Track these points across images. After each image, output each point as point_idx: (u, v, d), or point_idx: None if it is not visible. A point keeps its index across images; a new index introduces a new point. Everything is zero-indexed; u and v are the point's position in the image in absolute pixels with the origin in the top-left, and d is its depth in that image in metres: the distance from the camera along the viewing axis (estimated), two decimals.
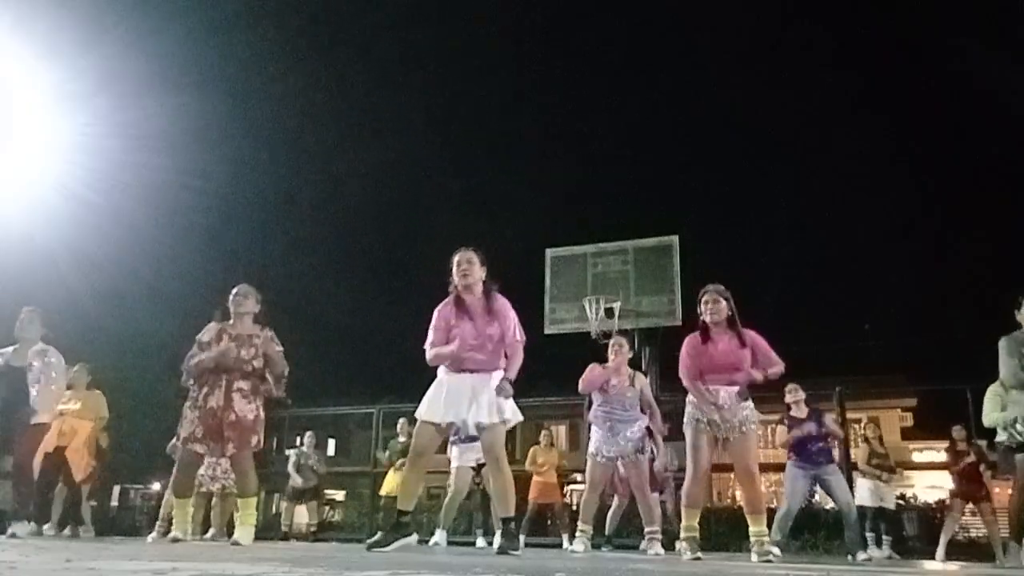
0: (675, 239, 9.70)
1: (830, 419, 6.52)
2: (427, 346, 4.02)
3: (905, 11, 45.05)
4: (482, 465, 5.76)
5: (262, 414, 4.56)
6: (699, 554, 4.33)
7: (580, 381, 5.72)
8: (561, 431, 27.05)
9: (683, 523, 4.44)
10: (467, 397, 3.88)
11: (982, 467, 7.33)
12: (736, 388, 4.31)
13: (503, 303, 4.06)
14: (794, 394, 6.49)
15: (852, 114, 50.21)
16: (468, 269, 4.02)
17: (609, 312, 9.39)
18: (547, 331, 9.79)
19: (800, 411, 6.42)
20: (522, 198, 51.30)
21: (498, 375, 3.94)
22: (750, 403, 4.35)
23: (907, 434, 24.24)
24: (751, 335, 4.40)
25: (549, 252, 10.19)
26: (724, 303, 4.38)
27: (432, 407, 3.92)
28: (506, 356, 4.03)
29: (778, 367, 4.38)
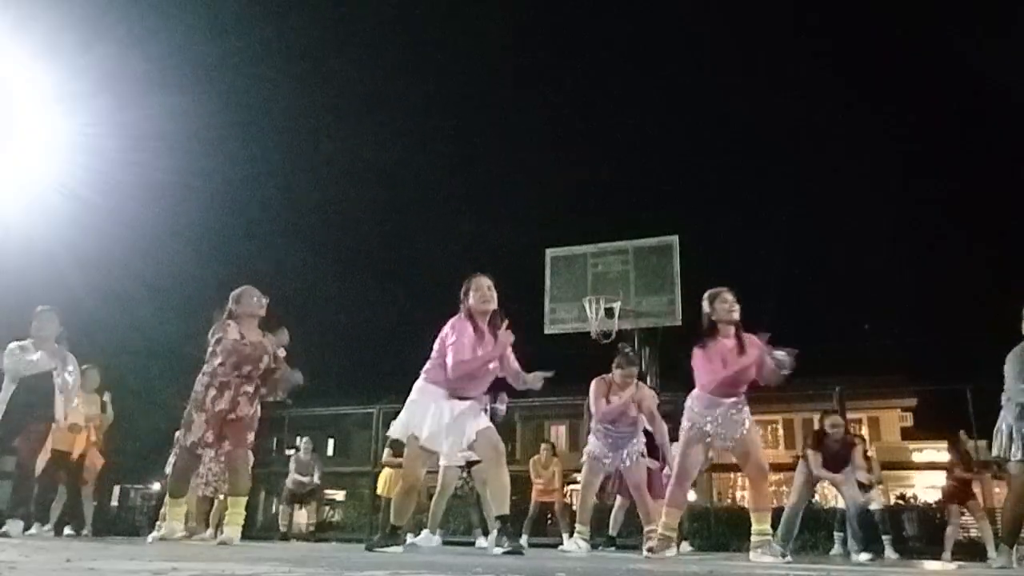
0: (675, 239, 9.70)
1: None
2: (462, 358, 3.84)
3: (905, 11, 45.08)
4: (472, 463, 5.67)
5: (259, 413, 4.66)
6: (670, 552, 4.26)
7: (594, 409, 5.56)
8: (561, 431, 27.03)
9: (663, 520, 4.36)
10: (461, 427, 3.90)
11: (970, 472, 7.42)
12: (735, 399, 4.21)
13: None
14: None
15: (852, 114, 50.25)
16: (490, 295, 3.99)
17: (609, 312, 9.39)
18: (547, 331, 9.80)
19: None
20: (522, 198, 51.31)
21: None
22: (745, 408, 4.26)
23: (907, 434, 24.28)
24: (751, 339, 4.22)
25: (549, 252, 10.20)
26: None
27: (433, 434, 3.85)
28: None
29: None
